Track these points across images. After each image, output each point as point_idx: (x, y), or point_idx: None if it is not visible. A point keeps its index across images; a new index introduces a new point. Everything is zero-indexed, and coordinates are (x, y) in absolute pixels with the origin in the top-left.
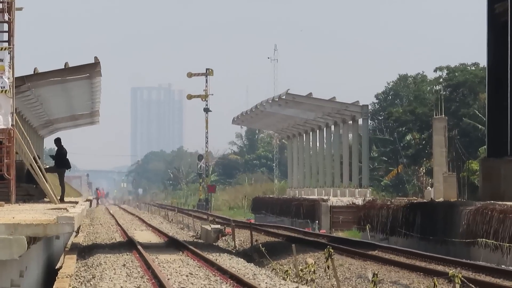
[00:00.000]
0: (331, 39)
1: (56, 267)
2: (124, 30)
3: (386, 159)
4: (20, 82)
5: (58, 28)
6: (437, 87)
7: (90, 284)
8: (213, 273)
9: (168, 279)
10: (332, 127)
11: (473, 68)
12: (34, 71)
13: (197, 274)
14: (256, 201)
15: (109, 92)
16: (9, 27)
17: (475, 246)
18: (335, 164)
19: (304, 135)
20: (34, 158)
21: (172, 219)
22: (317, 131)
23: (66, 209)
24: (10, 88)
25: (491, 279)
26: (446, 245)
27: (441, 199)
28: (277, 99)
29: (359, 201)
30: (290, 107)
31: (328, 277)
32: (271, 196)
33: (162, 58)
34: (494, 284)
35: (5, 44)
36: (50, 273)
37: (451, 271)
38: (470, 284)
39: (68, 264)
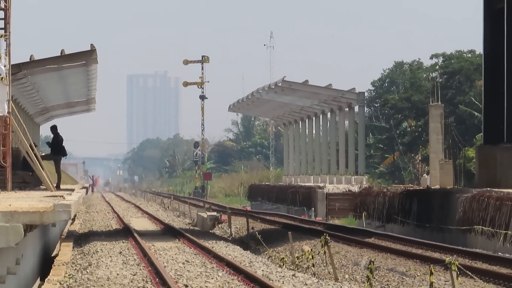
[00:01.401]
0: (327, 26)
1: (52, 255)
2: (120, 17)
3: (382, 146)
4: (16, 69)
5: (55, 15)
6: (433, 74)
7: (87, 272)
8: (210, 260)
9: (165, 267)
10: (328, 114)
11: (469, 55)
12: (30, 59)
13: (193, 262)
14: (252, 188)
15: (105, 79)
16: (5, 15)
17: (471, 233)
18: (331, 151)
19: (300, 122)
20: (31, 146)
21: (168, 207)
22: (313, 118)
23: (62, 196)
24: (6, 76)
25: (487, 267)
26: (443, 233)
27: (437, 186)
28: (273, 86)
29: (355, 189)
30: (286, 94)
31: (325, 264)
32: (267, 183)
33: (158, 45)
34: (491, 271)
35: (1, 32)
36: (46, 261)
37: (447, 258)
38: (467, 271)
39: (64, 252)
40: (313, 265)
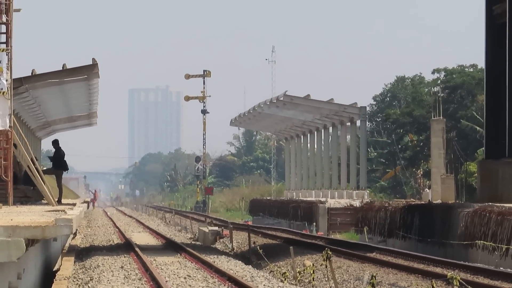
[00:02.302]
0: (329, 41)
1: (54, 269)
2: (122, 32)
3: (383, 160)
4: (18, 83)
5: (56, 29)
6: (435, 89)
7: (88, 286)
8: (211, 275)
9: (166, 282)
10: (330, 128)
11: (471, 69)
12: (32, 73)
13: (195, 276)
14: (254, 203)
15: (106, 94)
16: (7, 29)
17: (473, 248)
18: (332, 166)
19: (301, 136)
20: (32, 160)
21: (169, 221)
22: (315, 132)
23: (64, 211)
24: (7, 90)
25: (489, 282)
26: (444, 247)
27: (439, 201)
28: (274, 101)
29: (356, 203)
30: (287, 109)
31: (326, 279)
32: (268, 198)
33: (159, 59)
34: (493, 286)
35: (3, 46)
36: (48, 275)
37: (449, 273)
38: (469, 286)
39: (66, 266)
40: (314, 280)
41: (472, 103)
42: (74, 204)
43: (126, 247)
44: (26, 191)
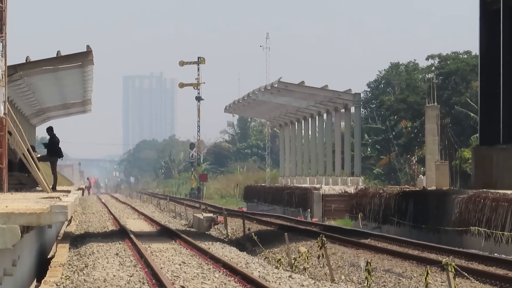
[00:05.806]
0: (323, 27)
1: (49, 256)
2: (116, 18)
3: (378, 147)
4: (12, 70)
5: (51, 17)
6: (429, 75)
7: (83, 273)
8: (206, 262)
9: (161, 268)
10: (324, 115)
11: (465, 56)
12: (26, 60)
13: (190, 263)
14: (248, 189)
15: (101, 81)
16: (1, 16)
17: (467, 235)
18: (327, 152)
19: (296, 123)
20: (29, 150)
21: (164, 208)
22: (309, 119)
23: (59, 198)
24: (2, 77)
25: (484, 268)
26: (439, 234)
27: (433, 187)
28: (269, 88)
29: (351, 190)
30: (282, 96)
31: (321, 265)
32: (263, 184)
33: (154, 46)
34: (487, 272)
35: None
36: (43, 262)
37: (444, 259)
38: (463, 272)
39: (61, 253)
40: (309, 267)
41: (466, 90)
42: (68, 191)
43: (121, 233)
44: (20, 178)
